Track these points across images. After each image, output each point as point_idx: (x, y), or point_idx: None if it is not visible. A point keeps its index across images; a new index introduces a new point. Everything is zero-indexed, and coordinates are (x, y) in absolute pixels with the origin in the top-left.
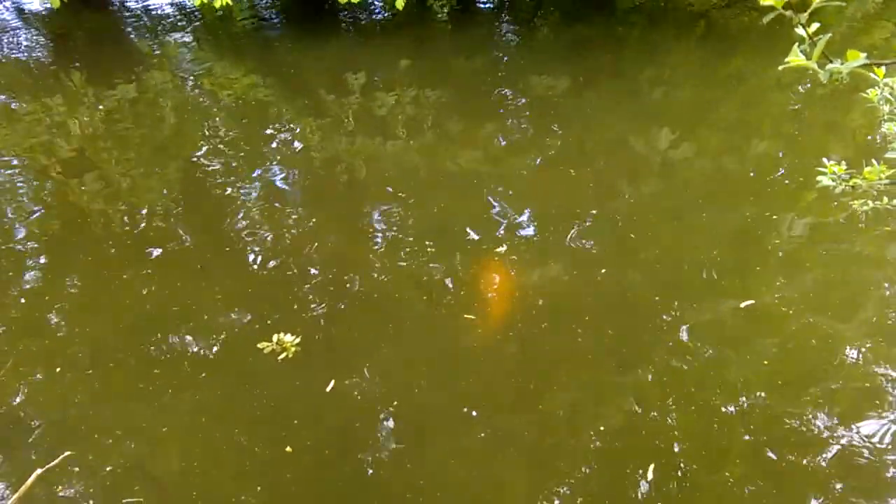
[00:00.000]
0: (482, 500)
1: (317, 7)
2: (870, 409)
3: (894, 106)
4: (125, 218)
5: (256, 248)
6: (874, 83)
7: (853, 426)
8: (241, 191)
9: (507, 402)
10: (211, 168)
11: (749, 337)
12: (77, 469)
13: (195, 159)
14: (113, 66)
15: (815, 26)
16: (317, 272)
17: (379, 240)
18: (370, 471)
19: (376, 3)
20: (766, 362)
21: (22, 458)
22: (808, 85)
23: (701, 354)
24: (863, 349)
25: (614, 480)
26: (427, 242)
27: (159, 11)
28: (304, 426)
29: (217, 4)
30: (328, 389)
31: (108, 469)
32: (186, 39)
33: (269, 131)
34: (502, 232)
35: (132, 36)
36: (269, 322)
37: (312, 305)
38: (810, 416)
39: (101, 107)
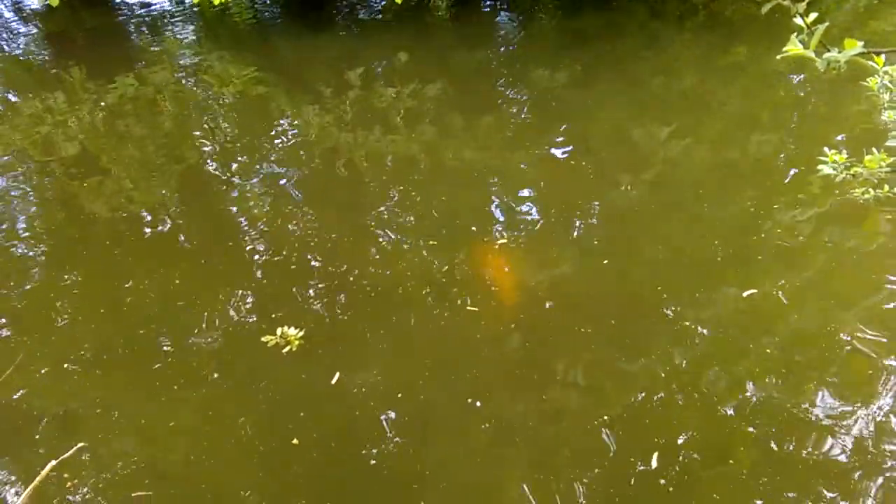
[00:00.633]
0: (487, 490)
1: (316, 2)
2: (873, 398)
3: (894, 94)
4: (127, 213)
5: (259, 243)
6: (874, 72)
7: (856, 415)
8: (243, 185)
9: (511, 393)
10: (212, 163)
11: (752, 326)
12: (87, 463)
13: (196, 154)
14: (113, 62)
15: (812, 16)
16: (320, 266)
17: (381, 233)
18: (375, 462)
19: None
20: (768, 351)
21: (32, 452)
22: (810, 74)
23: (703, 344)
24: (866, 338)
25: (618, 469)
26: (429, 235)
27: (158, 8)
28: (310, 419)
29: (216, 1)
30: (333, 382)
31: (117, 463)
32: (186, 35)
33: (269, 126)
34: (504, 224)
35: (131, 33)
36: (273, 316)
37: (316, 299)
38: (813, 405)
39: (101, 103)
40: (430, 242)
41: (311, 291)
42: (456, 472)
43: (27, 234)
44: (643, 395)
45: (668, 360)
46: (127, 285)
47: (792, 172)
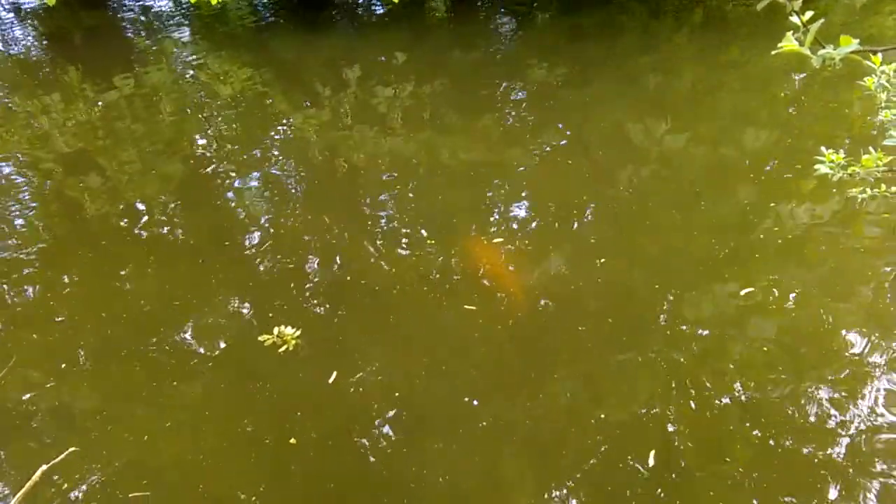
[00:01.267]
0: (484, 489)
1: (314, 1)
2: (869, 395)
3: (891, 93)
4: (125, 213)
5: (256, 242)
6: (871, 71)
7: (853, 412)
8: (240, 184)
9: (508, 391)
10: (209, 162)
11: (748, 324)
12: (83, 464)
13: (194, 154)
14: (110, 62)
15: (808, 14)
16: (316, 265)
17: (378, 231)
18: (373, 461)
19: None
20: (765, 349)
21: (25, 454)
22: (807, 73)
23: (701, 342)
24: (862, 335)
25: (615, 467)
26: (426, 233)
27: (156, 8)
28: (307, 418)
29: (214, 1)
30: (330, 381)
31: (113, 464)
32: (183, 35)
33: (266, 125)
34: (501, 222)
35: (129, 32)
36: (269, 315)
37: (312, 298)
38: (810, 404)
39: (99, 103)
40: (428, 241)
41: (307, 291)
42: (453, 471)
43: (23, 233)
44: (640, 393)
45: (665, 358)
46: (124, 285)
47: (789, 171)
